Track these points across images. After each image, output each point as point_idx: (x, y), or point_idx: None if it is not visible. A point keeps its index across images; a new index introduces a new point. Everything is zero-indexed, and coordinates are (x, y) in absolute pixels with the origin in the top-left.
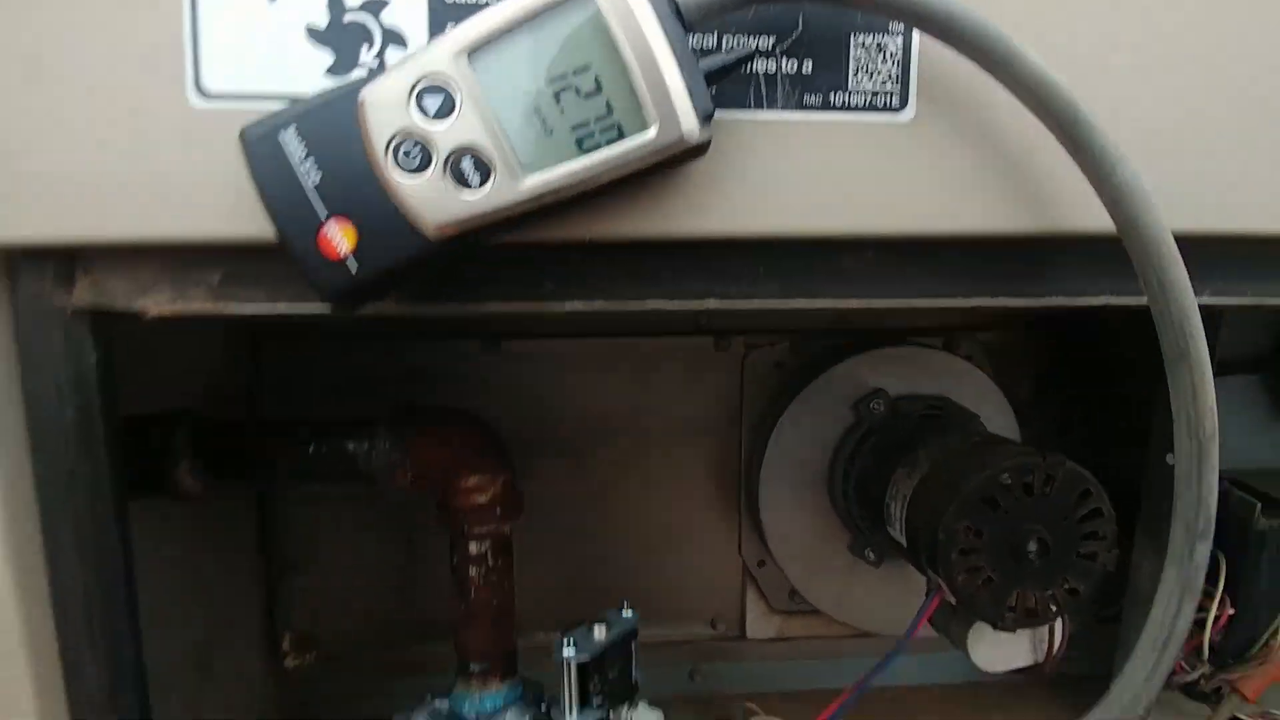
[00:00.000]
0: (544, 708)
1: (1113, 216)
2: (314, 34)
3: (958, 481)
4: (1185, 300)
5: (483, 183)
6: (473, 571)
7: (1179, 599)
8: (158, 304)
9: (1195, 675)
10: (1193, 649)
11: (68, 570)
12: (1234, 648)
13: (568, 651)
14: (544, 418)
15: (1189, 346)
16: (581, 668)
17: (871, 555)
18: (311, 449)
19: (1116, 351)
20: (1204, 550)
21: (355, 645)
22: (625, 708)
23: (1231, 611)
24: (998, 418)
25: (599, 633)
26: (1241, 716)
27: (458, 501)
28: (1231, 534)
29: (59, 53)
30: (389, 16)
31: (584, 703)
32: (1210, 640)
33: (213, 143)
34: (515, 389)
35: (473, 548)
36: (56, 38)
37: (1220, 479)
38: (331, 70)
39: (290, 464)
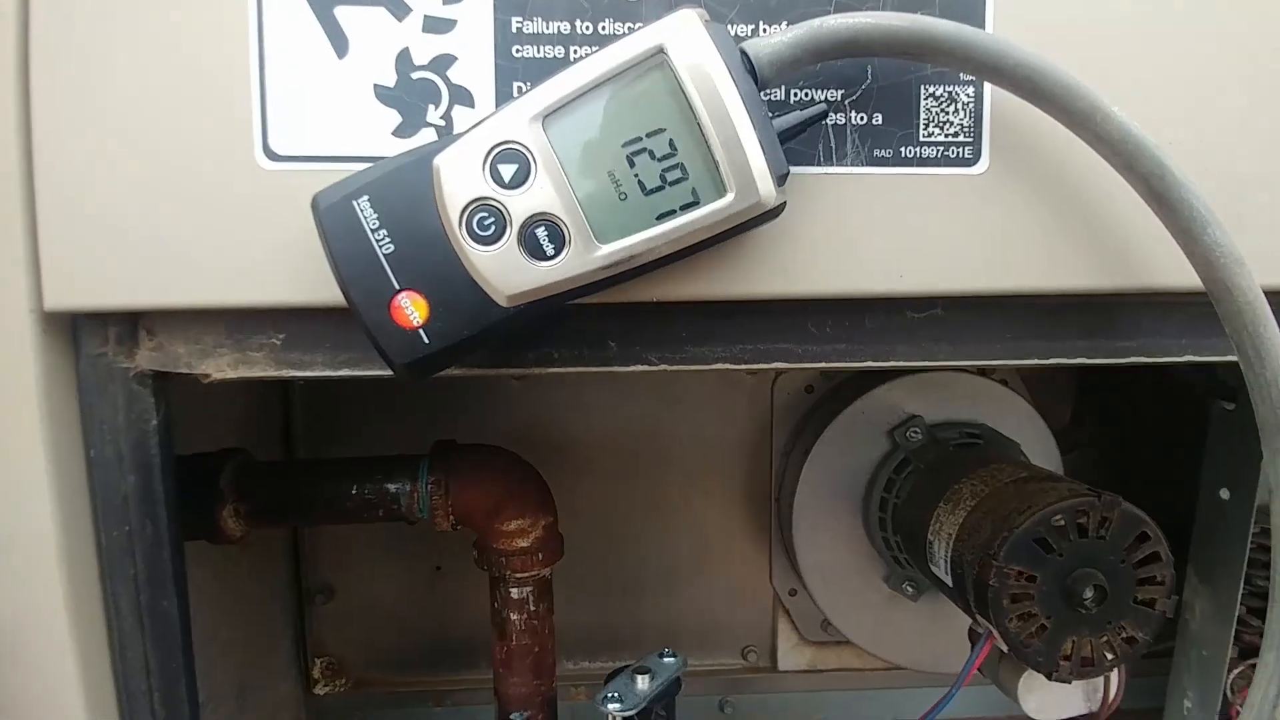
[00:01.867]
0: None
1: (1202, 278)
2: (381, 93)
3: (1008, 522)
4: None
5: (557, 252)
6: (513, 617)
7: (1277, 686)
8: (220, 368)
9: None
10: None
11: (129, 639)
12: None
13: (613, 706)
14: (573, 443)
15: None
16: None
17: (910, 589)
18: (354, 490)
19: (1165, 378)
20: None
21: (385, 672)
22: None
23: None
24: (1037, 445)
25: (642, 683)
26: None
27: (499, 544)
28: None
29: (126, 116)
30: (456, 74)
31: None
32: None
33: (279, 206)
34: (545, 415)
35: (514, 593)
36: (124, 102)
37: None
38: (398, 131)
39: (332, 505)
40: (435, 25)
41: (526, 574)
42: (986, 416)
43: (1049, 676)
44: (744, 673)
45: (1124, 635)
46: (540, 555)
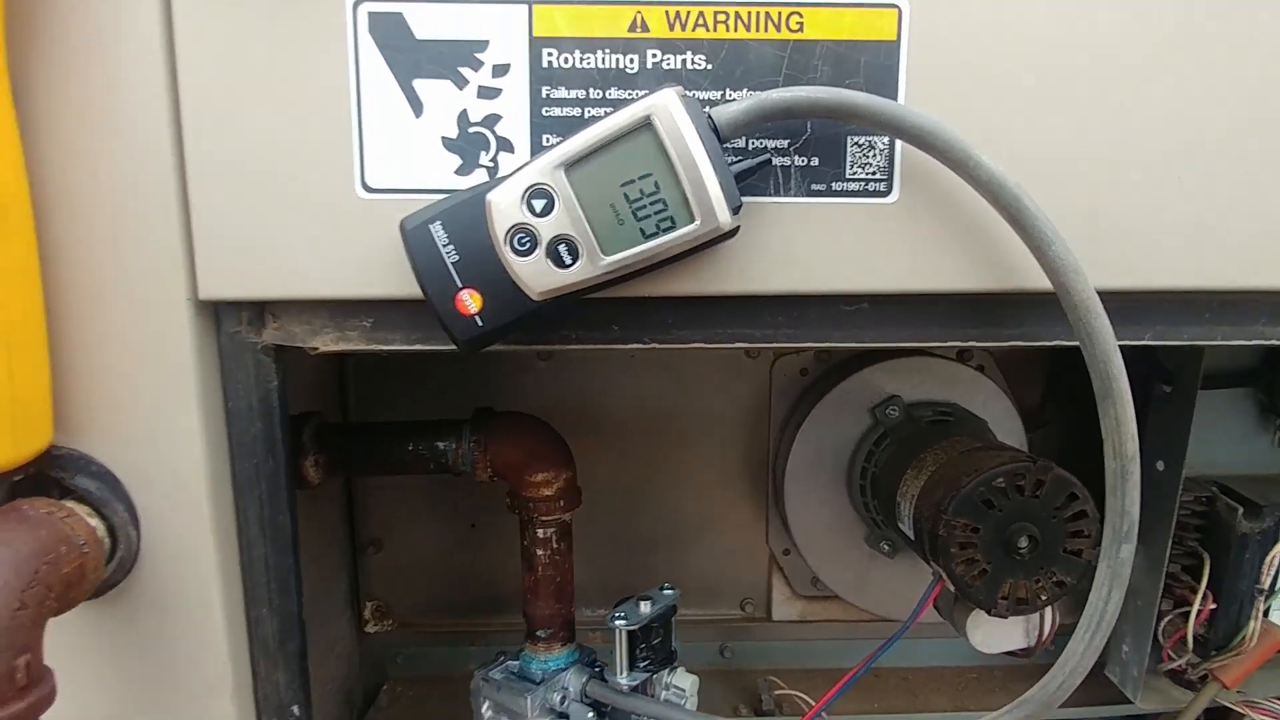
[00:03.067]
0: (598, 669)
1: (1051, 282)
2: (446, 142)
3: (958, 483)
4: (1109, 349)
5: (573, 262)
6: (540, 553)
7: (1108, 588)
8: (325, 343)
9: (1181, 663)
10: (1178, 640)
11: (254, 542)
12: (1216, 639)
13: (619, 621)
14: (592, 418)
15: (1112, 386)
16: (630, 635)
17: (886, 547)
18: (410, 447)
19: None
20: (1129, 549)
21: (426, 615)
22: (666, 672)
23: (1213, 606)
24: (1005, 423)
25: (645, 607)
26: (1225, 702)
27: (528, 493)
28: (1215, 536)
29: (260, 156)
30: (501, 128)
31: (632, 665)
32: (1194, 632)
33: (372, 225)
34: (566, 391)
35: (540, 533)
36: (258, 144)
37: (1207, 485)
38: (459, 170)
39: (391, 459)
40: (487, 93)
41: (550, 518)
42: (959, 397)
43: (989, 612)
44: (742, 622)
45: (1054, 579)
46: (562, 502)
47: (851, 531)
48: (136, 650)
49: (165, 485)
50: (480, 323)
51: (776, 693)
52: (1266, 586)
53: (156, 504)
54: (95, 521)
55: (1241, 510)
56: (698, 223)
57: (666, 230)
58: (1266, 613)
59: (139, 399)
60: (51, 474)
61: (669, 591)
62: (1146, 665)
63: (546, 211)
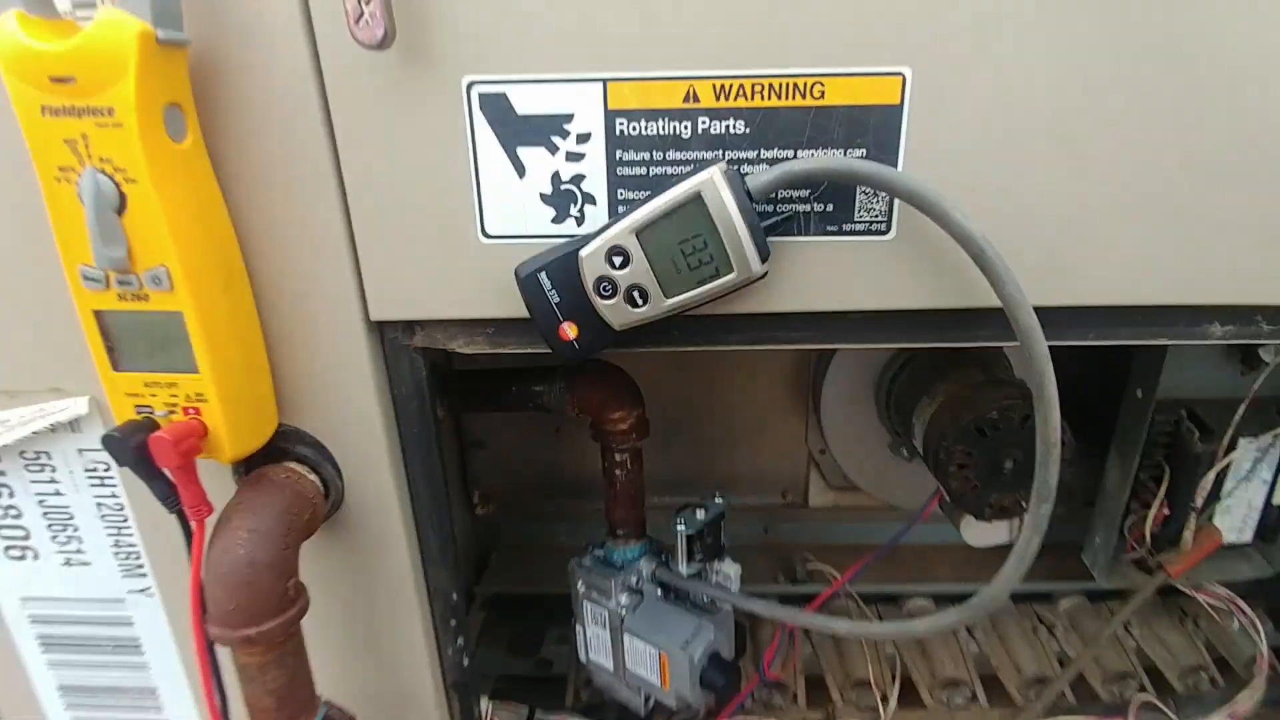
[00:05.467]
0: (664, 558)
1: (1006, 312)
2: (543, 197)
3: (959, 415)
4: (1045, 365)
5: (644, 304)
6: (618, 473)
7: (1031, 533)
8: (461, 346)
9: (1141, 554)
10: (1139, 536)
11: (418, 482)
12: (1167, 537)
13: (680, 527)
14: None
15: (1045, 391)
16: (689, 538)
17: (904, 453)
18: (512, 389)
19: None
20: (1047, 507)
21: (522, 499)
22: (716, 561)
23: (1167, 512)
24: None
25: (700, 514)
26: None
27: (607, 427)
28: (1178, 453)
29: (404, 214)
30: (586, 185)
31: (690, 558)
32: (1150, 531)
33: (492, 264)
34: None
35: (617, 457)
36: (399, 200)
37: (1176, 407)
38: (554, 220)
39: (498, 400)
40: (573, 157)
41: (625, 445)
42: None
43: (977, 518)
44: (783, 509)
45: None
46: (634, 435)
47: (877, 438)
48: (348, 563)
49: (358, 448)
50: (577, 346)
51: (810, 566)
52: (1199, 502)
53: (353, 461)
54: (313, 477)
55: (1197, 433)
56: (735, 273)
57: (713, 279)
58: (1210, 517)
59: (336, 388)
60: (280, 445)
61: (719, 501)
62: (1113, 554)
63: (624, 265)
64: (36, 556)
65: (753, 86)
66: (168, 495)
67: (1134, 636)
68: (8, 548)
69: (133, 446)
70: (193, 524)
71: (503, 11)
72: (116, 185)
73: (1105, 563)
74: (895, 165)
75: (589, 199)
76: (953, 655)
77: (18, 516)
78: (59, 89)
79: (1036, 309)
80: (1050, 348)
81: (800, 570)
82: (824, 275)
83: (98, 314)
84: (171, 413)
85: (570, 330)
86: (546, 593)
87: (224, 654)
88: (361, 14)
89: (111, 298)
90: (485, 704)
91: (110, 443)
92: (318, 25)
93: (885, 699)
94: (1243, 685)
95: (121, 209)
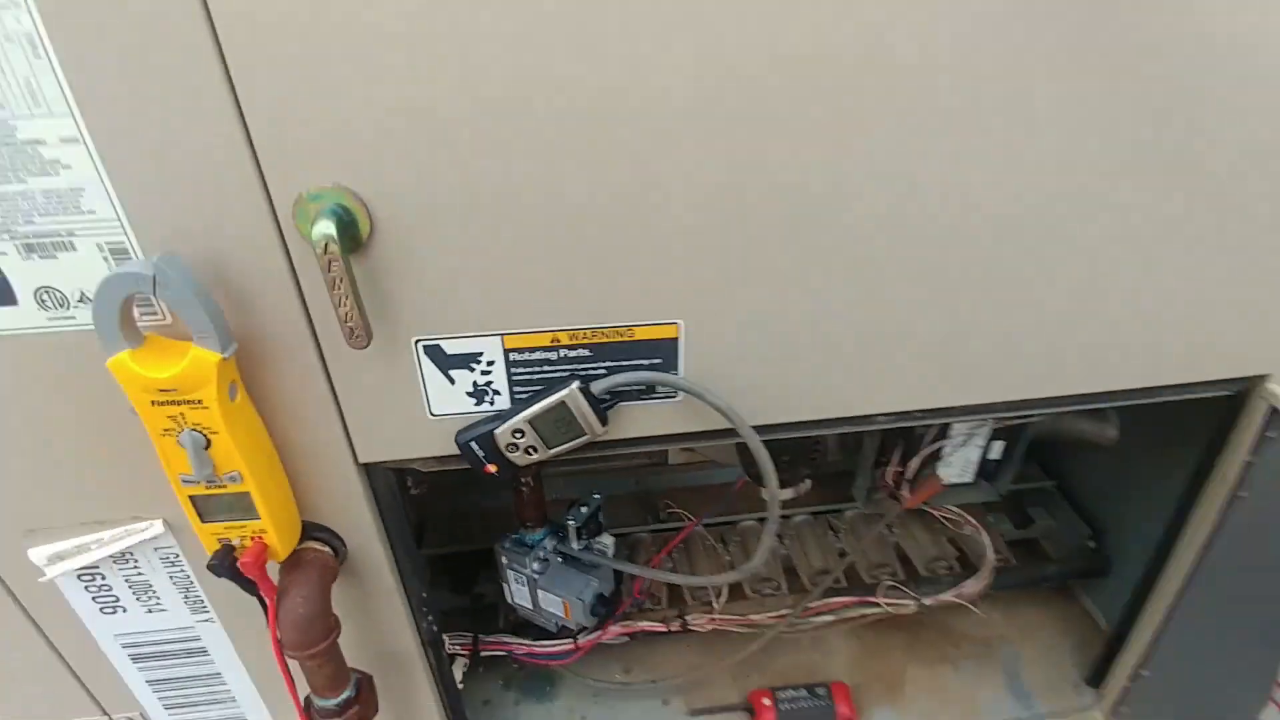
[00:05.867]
0: (563, 534)
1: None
2: (468, 393)
3: None
4: (761, 454)
5: (536, 454)
6: (524, 490)
7: (769, 536)
8: (423, 465)
9: (890, 491)
10: (885, 481)
11: (394, 538)
12: (905, 480)
13: (571, 521)
14: None
15: (765, 470)
16: (576, 528)
17: None
18: None
19: None
20: (776, 515)
21: (447, 478)
22: (598, 536)
23: (900, 469)
24: None
25: (584, 510)
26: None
27: None
28: (909, 432)
29: (384, 399)
30: (494, 386)
31: (579, 538)
32: (893, 478)
33: (437, 430)
34: None
35: (524, 481)
36: (385, 394)
37: None
38: (475, 404)
39: None
40: (485, 373)
41: (529, 477)
42: None
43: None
44: (648, 467)
45: None
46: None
47: None
48: (358, 589)
49: (355, 532)
50: (497, 474)
51: (669, 510)
52: (917, 463)
53: (353, 539)
54: (328, 549)
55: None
56: (588, 434)
57: (576, 438)
58: (938, 474)
59: (336, 497)
60: (305, 532)
61: (596, 497)
62: (868, 491)
63: (522, 437)
64: (125, 610)
65: (593, 332)
66: (249, 587)
67: (896, 537)
68: (101, 607)
69: (228, 568)
70: (267, 600)
71: (438, 300)
72: (204, 435)
73: (863, 496)
74: (677, 371)
75: (496, 393)
76: (766, 559)
77: (110, 590)
78: (164, 394)
79: (755, 426)
80: (763, 439)
81: (663, 513)
82: (641, 420)
83: (192, 498)
84: (243, 540)
85: (492, 468)
86: (475, 549)
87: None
88: (353, 333)
89: (201, 488)
90: (446, 641)
91: (215, 568)
92: (322, 339)
93: (719, 595)
94: (974, 573)
95: (207, 446)
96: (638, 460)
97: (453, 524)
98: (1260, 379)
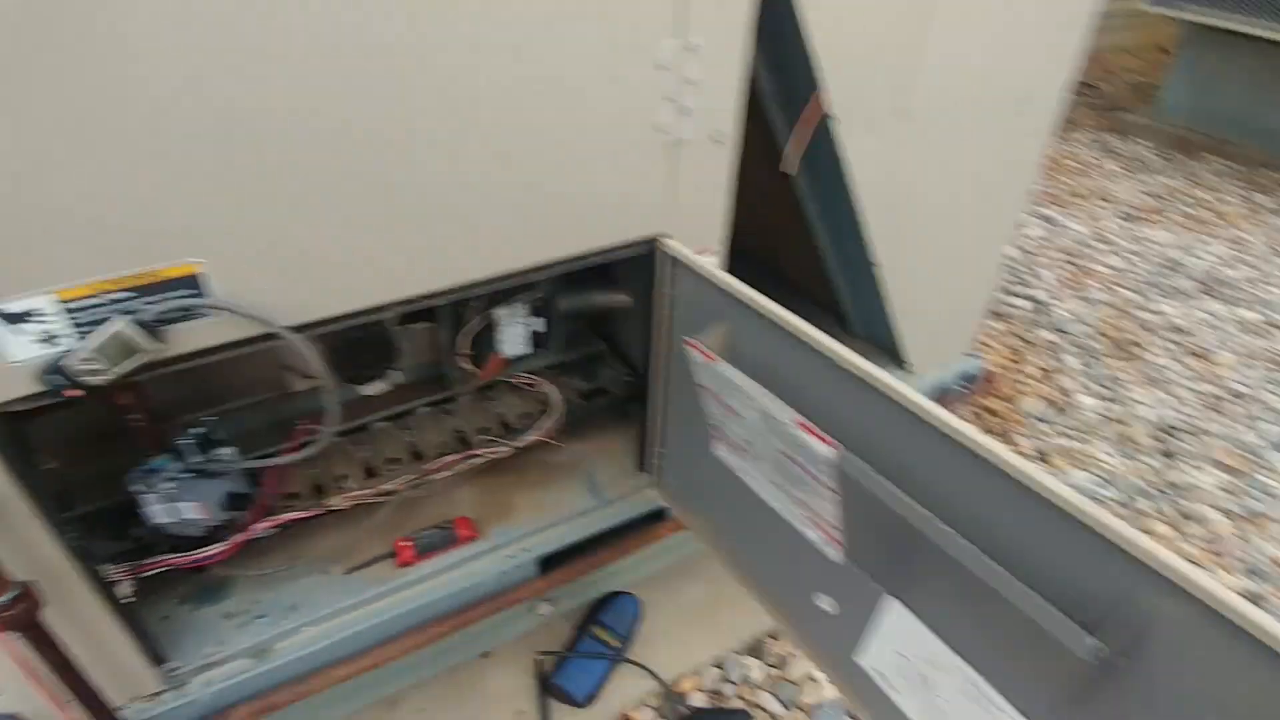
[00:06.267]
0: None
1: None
2: (39, 339)
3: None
4: (308, 353)
5: (106, 374)
6: (139, 430)
7: (328, 385)
8: (22, 404)
9: (468, 368)
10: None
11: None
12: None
13: (188, 442)
14: None
15: (311, 365)
16: (196, 444)
17: None
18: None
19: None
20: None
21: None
22: (217, 449)
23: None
24: None
25: (199, 432)
26: (505, 379)
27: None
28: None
29: None
30: (57, 328)
31: (200, 453)
32: (465, 361)
33: (22, 374)
34: None
35: (134, 421)
36: None
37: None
38: (51, 348)
39: None
40: (51, 326)
41: (139, 419)
42: None
43: (356, 384)
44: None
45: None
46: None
47: None
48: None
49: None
50: (80, 399)
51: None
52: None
53: None
54: None
55: (471, 307)
56: (151, 353)
57: (138, 356)
58: (499, 351)
59: None
60: None
61: (208, 419)
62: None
63: (92, 362)
64: None
65: (133, 277)
66: None
67: (496, 404)
68: None
69: None
70: None
71: None
72: None
73: (455, 380)
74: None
75: (66, 336)
76: (394, 446)
77: None
78: None
79: (292, 326)
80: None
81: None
82: (199, 333)
83: None
84: None
85: (75, 392)
86: (125, 500)
87: None
88: None
89: None
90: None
91: None
92: None
93: (357, 481)
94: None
95: None
96: (265, 395)
97: (101, 485)
98: (663, 237)
